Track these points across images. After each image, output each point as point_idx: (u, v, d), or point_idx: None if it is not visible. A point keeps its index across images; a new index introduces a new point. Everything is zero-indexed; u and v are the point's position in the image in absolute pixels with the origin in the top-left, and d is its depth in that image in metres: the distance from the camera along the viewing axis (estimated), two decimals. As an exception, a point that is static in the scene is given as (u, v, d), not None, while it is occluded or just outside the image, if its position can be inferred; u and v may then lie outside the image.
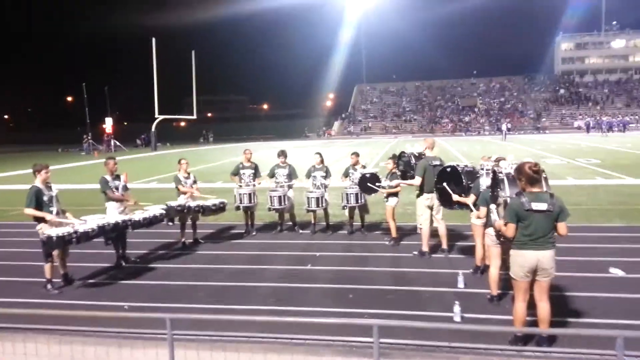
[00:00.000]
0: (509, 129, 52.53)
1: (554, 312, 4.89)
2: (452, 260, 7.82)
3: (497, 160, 6.01)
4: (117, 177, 8.19)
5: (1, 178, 23.55)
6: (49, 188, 7.02)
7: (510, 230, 4.60)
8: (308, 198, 9.65)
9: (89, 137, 48.23)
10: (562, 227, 4.58)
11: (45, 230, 6.68)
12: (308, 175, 10.12)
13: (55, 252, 6.90)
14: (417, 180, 7.81)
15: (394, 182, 8.39)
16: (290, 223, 10.27)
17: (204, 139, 65.06)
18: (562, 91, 76.56)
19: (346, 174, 9.95)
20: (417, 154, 8.36)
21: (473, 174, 6.84)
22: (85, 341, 4.93)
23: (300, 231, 10.06)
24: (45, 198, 6.86)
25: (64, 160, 35.25)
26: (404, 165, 8.48)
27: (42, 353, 4.67)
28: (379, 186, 8.88)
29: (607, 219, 10.42)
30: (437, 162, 7.86)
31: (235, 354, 4.46)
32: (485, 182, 5.98)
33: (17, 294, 6.63)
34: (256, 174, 10.13)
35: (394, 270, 7.47)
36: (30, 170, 7.21)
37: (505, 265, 5.77)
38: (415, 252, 8.18)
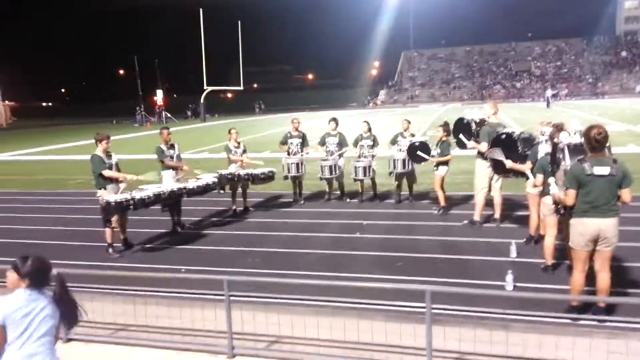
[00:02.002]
0: (554, 95, 49.81)
1: (613, 283, 4.74)
2: (504, 230, 7.66)
3: (556, 126, 5.74)
4: (172, 147, 8.44)
5: (60, 149, 24.74)
6: (109, 156, 7.33)
7: (570, 197, 4.43)
8: (355, 167, 9.63)
9: (141, 109, 49.73)
10: (626, 193, 4.39)
11: (104, 196, 7.02)
12: (355, 144, 10.07)
13: (114, 218, 7.25)
14: (485, 146, 7.36)
15: (471, 144, 7.77)
16: (339, 192, 10.32)
17: (259, 109, 65.59)
18: (624, 53, 71.92)
19: (394, 142, 9.83)
20: (477, 120, 8.02)
21: (530, 141, 6.59)
22: (146, 301, 5.21)
23: (348, 200, 10.10)
24: (106, 165, 7.19)
25: (118, 131, 36.56)
26: (462, 132, 8.09)
27: (107, 311, 4.98)
28: (430, 156, 8.73)
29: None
30: (501, 129, 7.40)
31: (288, 316, 4.60)
32: (543, 148, 5.74)
33: (81, 258, 7.03)
34: (304, 143, 10.16)
35: (444, 239, 7.41)
36: (86, 142, 7.55)
37: (561, 234, 5.61)
38: (466, 221, 8.06)
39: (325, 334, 4.36)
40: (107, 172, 7.15)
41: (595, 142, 4.33)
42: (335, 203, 10.09)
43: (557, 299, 4.98)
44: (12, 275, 2.91)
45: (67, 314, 2.99)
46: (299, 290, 5.30)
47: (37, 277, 2.92)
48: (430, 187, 10.30)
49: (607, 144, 4.46)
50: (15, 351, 2.79)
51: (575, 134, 4.90)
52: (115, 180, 7.27)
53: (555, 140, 5.15)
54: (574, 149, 4.69)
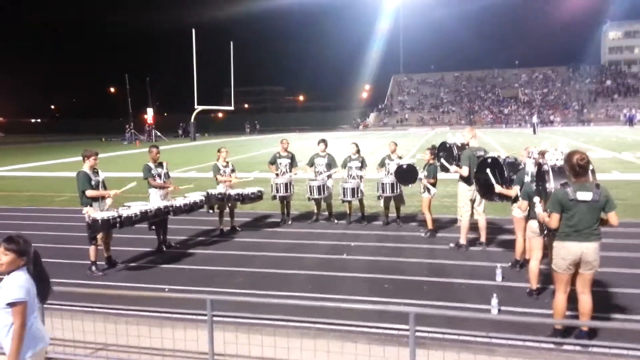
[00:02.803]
0: (542, 122, 50.62)
1: (597, 308, 4.77)
2: (490, 254, 7.70)
3: (541, 152, 5.84)
4: (160, 165, 8.42)
5: (47, 166, 24.52)
6: (96, 173, 7.28)
7: (554, 220, 4.49)
8: (344, 188, 9.65)
9: (131, 127, 49.64)
10: (612, 217, 4.45)
11: (91, 213, 6.95)
12: (344, 166, 10.11)
13: (99, 235, 7.17)
14: (465, 171, 7.63)
15: (453, 168, 8.03)
16: (327, 213, 10.32)
17: (254, 129, 65.74)
18: (608, 82, 73.52)
19: (382, 164, 9.91)
20: (459, 144, 8.21)
21: (515, 166, 6.68)
22: (128, 320, 5.13)
23: (336, 221, 10.09)
24: (92, 183, 7.13)
25: (107, 149, 36.38)
26: (445, 155, 8.32)
27: (88, 329, 4.88)
28: (418, 178, 8.82)
29: (655, 214, 10.01)
30: (482, 153, 7.69)
31: (271, 337, 4.55)
32: (530, 169, 5.82)
33: (64, 275, 6.91)
34: (293, 163, 10.20)
35: (430, 261, 7.41)
36: (74, 159, 7.52)
37: (546, 258, 5.65)
38: (452, 244, 8.09)
39: (308, 357, 4.31)
40: (89, 192, 7.08)
41: (578, 167, 4.41)
42: (323, 224, 10.08)
43: (540, 322, 4.99)
44: (9, 256, 3.08)
45: (43, 289, 3.23)
46: (284, 311, 5.26)
47: (30, 254, 3.18)
48: (418, 209, 10.35)
49: (591, 168, 4.53)
50: (29, 326, 3.11)
51: (561, 154, 4.98)
52: (101, 198, 7.21)
53: (541, 161, 5.23)
54: (559, 171, 4.76)
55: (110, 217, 6.87)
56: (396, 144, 10.05)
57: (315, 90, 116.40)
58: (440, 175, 8.94)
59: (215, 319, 4.33)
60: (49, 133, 76.03)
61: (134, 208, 7.31)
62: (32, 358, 3.16)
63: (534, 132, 43.62)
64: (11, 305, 3.02)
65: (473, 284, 6.38)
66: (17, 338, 3.02)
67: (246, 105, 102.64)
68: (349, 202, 9.88)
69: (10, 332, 3.06)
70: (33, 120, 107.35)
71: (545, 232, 4.88)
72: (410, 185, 9.12)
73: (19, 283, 3.07)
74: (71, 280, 6.72)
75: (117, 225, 6.98)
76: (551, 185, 4.75)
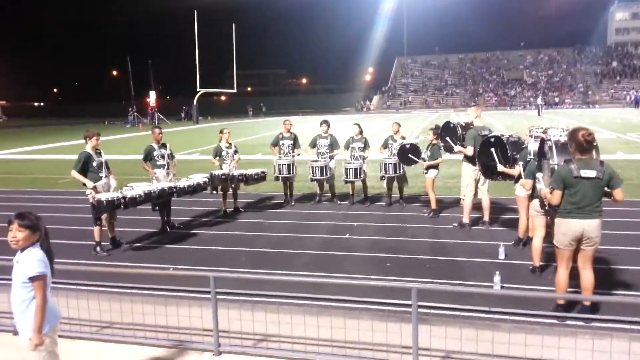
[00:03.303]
0: (547, 104, 50.29)
1: (599, 285, 4.78)
2: (492, 233, 7.70)
3: (545, 130, 5.80)
4: (164, 146, 8.42)
5: (51, 148, 24.55)
6: (99, 154, 7.29)
7: (555, 197, 4.48)
8: (346, 169, 9.63)
9: (134, 110, 49.59)
10: (618, 193, 4.45)
11: (95, 194, 6.97)
12: (347, 147, 10.08)
13: (104, 216, 7.20)
14: (470, 150, 7.56)
15: (458, 148, 7.94)
16: (329, 194, 10.32)
17: (252, 113, 65.48)
18: (614, 64, 72.71)
19: (385, 145, 9.88)
20: (463, 124, 8.15)
21: (518, 145, 6.64)
22: (133, 299, 5.18)
23: (339, 202, 10.10)
24: (94, 164, 7.15)
25: (110, 132, 36.39)
26: (449, 135, 8.25)
27: (93, 308, 4.93)
28: (421, 159, 8.78)
29: (659, 194, 9.98)
30: (486, 132, 7.60)
31: (275, 314, 4.58)
32: (532, 147, 5.79)
33: (69, 256, 6.95)
34: (295, 144, 10.17)
35: (433, 240, 7.43)
36: (77, 142, 7.52)
37: (549, 236, 5.65)
38: (455, 224, 8.10)
39: (312, 333, 4.35)
40: (73, 173, 7.11)
41: (586, 143, 4.38)
42: (325, 205, 10.09)
43: (542, 296, 5.02)
44: (24, 232, 3.12)
45: (51, 266, 3.27)
46: (287, 288, 5.29)
47: (42, 229, 3.22)
48: (421, 189, 10.35)
49: (595, 144, 4.50)
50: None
51: (562, 130, 4.95)
52: (106, 177, 7.25)
53: (544, 136, 5.21)
54: (562, 147, 4.73)
55: (115, 198, 6.89)
56: (399, 125, 10.01)
57: (318, 73, 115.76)
58: (444, 155, 8.91)
59: (219, 296, 4.37)
60: (51, 117, 75.96)
61: (138, 189, 7.33)
62: (51, 332, 3.22)
63: (539, 114, 43.39)
64: (33, 279, 3.07)
65: (476, 262, 6.39)
66: (40, 311, 3.08)
67: (249, 89, 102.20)
68: (352, 182, 9.86)
69: (29, 307, 3.11)
70: (36, 104, 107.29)
71: (547, 208, 4.87)
72: (413, 165, 9.09)
73: (38, 257, 3.13)
74: (77, 261, 6.77)
75: (122, 206, 7.00)
76: (554, 161, 4.73)
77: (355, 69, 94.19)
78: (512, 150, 6.58)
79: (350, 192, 10.13)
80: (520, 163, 5.95)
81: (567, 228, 4.49)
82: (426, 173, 8.81)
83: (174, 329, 4.65)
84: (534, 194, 5.64)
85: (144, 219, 8.77)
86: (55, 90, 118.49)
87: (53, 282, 3.34)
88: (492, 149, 6.72)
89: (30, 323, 3.11)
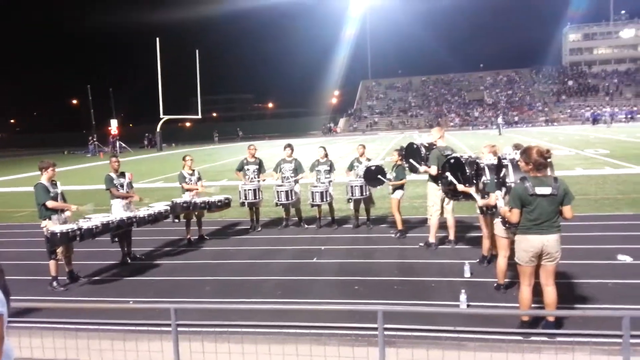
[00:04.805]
0: (507, 123, 51.90)
1: (562, 299, 4.83)
2: (458, 251, 7.76)
3: (515, 145, 5.88)
4: (122, 175, 8.21)
5: (7, 181, 23.69)
6: (54, 185, 7.04)
7: (514, 215, 4.55)
8: (312, 192, 9.60)
9: (95, 139, 48.54)
10: (567, 210, 4.52)
11: (49, 227, 6.71)
12: (312, 170, 10.06)
13: (59, 250, 6.93)
14: (434, 170, 7.62)
15: (423, 168, 7.98)
16: (296, 218, 10.24)
17: (237, 136, 65.19)
18: (570, 83, 75.85)
19: (350, 168, 9.91)
20: (427, 144, 8.24)
21: (476, 164, 6.74)
22: (90, 335, 4.94)
23: (306, 226, 10.02)
24: (51, 194, 6.89)
25: (70, 162, 35.46)
26: (413, 156, 8.30)
27: (47, 346, 4.68)
28: (387, 179, 8.83)
29: (616, 207, 10.31)
30: (449, 152, 7.66)
31: (239, 345, 4.44)
32: (488, 163, 5.87)
33: (24, 292, 6.64)
34: (260, 169, 10.10)
35: (400, 261, 7.42)
36: (34, 174, 7.26)
37: (514, 255, 5.71)
38: (422, 244, 8.13)
39: (277, 362, 4.23)
40: (50, 203, 6.85)
41: (542, 158, 4.46)
42: (292, 229, 9.99)
43: (507, 314, 5.03)
44: None
45: (8, 302, 3.02)
46: (251, 317, 5.16)
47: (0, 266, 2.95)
48: (388, 211, 10.38)
49: (549, 160, 4.60)
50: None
51: (515, 152, 5.04)
52: (60, 210, 6.98)
53: (499, 155, 5.30)
54: (517, 165, 4.82)
55: (70, 230, 6.63)
56: (364, 147, 10.06)
57: (284, 97, 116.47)
58: (410, 176, 8.98)
59: (180, 328, 4.21)
60: (8, 148, 73.56)
61: (95, 220, 7.09)
62: None
63: (499, 132, 44.61)
64: None
65: (442, 281, 6.40)
66: None
67: (214, 114, 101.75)
68: (318, 206, 9.82)
69: None
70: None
71: (507, 226, 4.93)
72: (379, 187, 9.13)
73: None
74: (31, 297, 6.46)
75: (77, 238, 6.74)
76: (511, 179, 4.81)
77: (321, 93, 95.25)
78: (471, 170, 6.68)
79: (317, 216, 10.08)
80: (500, 192, 5.75)
81: (528, 244, 4.55)
82: (392, 194, 8.86)
83: (133, 365, 4.44)
84: (497, 212, 5.70)
85: (104, 251, 8.48)
86: (12, 120, 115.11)
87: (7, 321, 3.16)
88: (448, 173, 6.80)
89: None
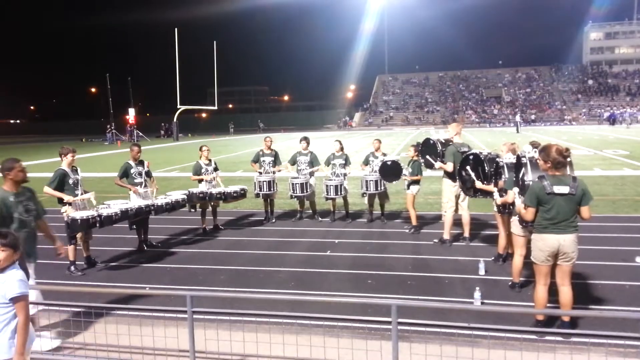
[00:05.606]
0: (524, 121, 51.29)
1: (578, 300, 4.80)
2: (473, 248, 7.72)
3: (532, 143, 5.83)
4: (141, 163, 8.30)
5: (26, 166, 23.99)
6: (75, 171, 7.15)
7: (529, 214, 4.52)
8: (327, 186, 9.61)
9: (112, 128, 49.09)
10: (585, 210, 4.48)
11: (70, 212, 6.82)
12: (327, 163, 10.07)
13: (78, 235, 7.04)
14: (450, 166, 7.65)
15: (438, 164, 7.99)
16: (310, 211, 10.27)
17: (258, 128, 65.49)
18: (590, 82, 74.64)
19: (366, 162, 9.89)
20: (443, 141, 8.22)
21: (496, 162, 6.69)
22: (107, 319, 5.03)
23: (320, 219, 10.05)
24: (70, 181, 7.00)
25: (87, 149, 35.91)
26: (429, 152, 8.29)
27: (65, 329, 4.78)
28: (402, 174, 8.80)
29: (634, 209, 10.16)
30: (465, 149, 7.68)
31: (253, 334, 4.49)
32: (507, 161, 5.82)
33: (42, 276, 6.75)
34: (276, 161, 10.14)
35: (414, 257, 7.41)
36: (53, 160, 7.37)
37: (530, 254, 5.68)
38: (436, 240, 8.11)
39: (291, 352, 4.26)
40: (47, 189, 6.94)
41: (561, 157, 4.42)
42: (306, 222, 10.03)
43: (521, 312, 5.01)
44: (7, 251, 3.07)
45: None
46: (265, 307, 5.21)
47: (20, 248, 3.18)
48: (403, 206, 10.36)
49: (569, 160, 4.56)
50: None
51: (534, 151, 4.99)
52: (81, 195, 7.09)
53: (519, 153, 5.26)
54: (536, 163, 4.78)
55: (90, 217, 6.74)
56: (380, 142, 10.04)
57: (300, 90, 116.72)
58: (425, 172, 8.95)
59: (195, 316, 4.26)
60: (27, 134, 74.69)
61: (114, 207, 7.19)
62: (26, 355, 3.17)
63: (517, 130, 44.17)
64: (16, 299, 3.03)
65: (456, 278, 6.38)
66: (23, 333, 3.04)
67: (230, 106, 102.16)
68: (333, 199, 9.84)
69: (5, 328, 3.06)
70: (12, 122, 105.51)
71: (524, 224, 4.89)
72: (394, 182, 9.11)
73: (19, 277, 3.09)
74: (50, 281, 6.58)
75: (97, 224, 6.85)
76: (529, 177, 4.77)
77: (337, 86, 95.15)
78: (490, 167, 6.63)
79: (332, 209, 10.09)
80: (516, 188, 5.77)
81: (544, 244, 4.52)
82: (408, 189, 8.84)
83: (149, 350, 4.52)
84: (512, 210, 5.66)
85: (121, 238, 8.60)
86: (32, 107, 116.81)
87: None
88: (469, 167, 6.77)
89: (5, 344, 3.04)
